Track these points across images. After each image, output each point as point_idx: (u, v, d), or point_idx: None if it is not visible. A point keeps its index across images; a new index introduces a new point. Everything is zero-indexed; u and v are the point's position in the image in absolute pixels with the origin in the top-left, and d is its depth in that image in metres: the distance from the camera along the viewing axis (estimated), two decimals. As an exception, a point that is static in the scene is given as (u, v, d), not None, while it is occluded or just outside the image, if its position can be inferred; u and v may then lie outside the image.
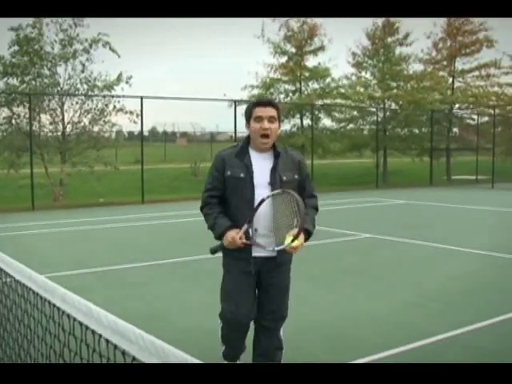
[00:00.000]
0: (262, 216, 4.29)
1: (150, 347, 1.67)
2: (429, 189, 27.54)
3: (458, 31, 33.38)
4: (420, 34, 50.43)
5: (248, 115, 4.45)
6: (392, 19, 31.58)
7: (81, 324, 2.08)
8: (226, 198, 4.48)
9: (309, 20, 30.04)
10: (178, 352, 1.63)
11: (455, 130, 35.89)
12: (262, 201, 4.24)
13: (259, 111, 4.35)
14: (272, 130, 4.35)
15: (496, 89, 35.03)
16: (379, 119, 30.96)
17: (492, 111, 32.72)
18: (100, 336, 1.93)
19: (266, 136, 4.34)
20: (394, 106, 32.68)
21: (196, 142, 35.51)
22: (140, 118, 21.47)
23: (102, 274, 9.21)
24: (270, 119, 4.35)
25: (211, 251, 4.42)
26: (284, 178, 4.38)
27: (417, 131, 33.22)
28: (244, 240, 4.26)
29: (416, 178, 31.14)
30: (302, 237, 4.20)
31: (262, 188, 4.33)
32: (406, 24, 33.41)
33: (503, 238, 12.59)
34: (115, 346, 1.83)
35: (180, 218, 16.24)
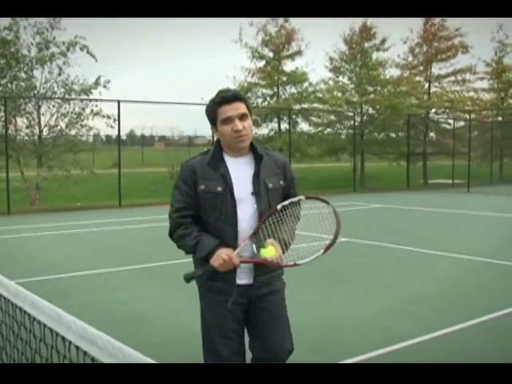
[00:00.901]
0: (270, 229, 3.49)
1: (117, 353, 1.63)
2: (406, 193, 27.68)
3: (434, 37, 33.74)
4: (397, 40, 50.63)
5: (212, 117, 3.59)
6: (369, 24, 31.83)
7: (51, 330, 2.03)
8: (202, 218, 3.58)
9: (286, 25, 30.20)
10: (144, 358, 1.60)
11: (432, 134, 36.19)
12: (275, 211, 3.51)
13: (226, 110, 3.47)
14: (246, 128, 3.50)
15: (471, 94, 35.59)
16: (356, 123, 31.11)
17: (468, 116, 33.07)
18: (70, 343, 1.89)
19: (241, 139, 3.49)
20: (371, 110, 32.88)
21: (174, 146, 35.36)
22: (117, 121, 21.38)
23: (81, 278, 9.11)
24: (242, 117, 3.49)
25: (186, 278, 3.51)
26: (270, 186, 3.58)
27: (394, 135, 33.46)
28: (242, 259, 3.43)
29: (393, 181, 31.31)
30: (278, 246, 3.43)
31: (244, 202, 3.51)
32: (382, 29, 33.77)
33: (480, 241, 12.66)
34: (85, 353, 1.79)
35: (158, 222, 16.13)
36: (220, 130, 3.53)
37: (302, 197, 3.58)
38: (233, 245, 3.45)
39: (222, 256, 3.34)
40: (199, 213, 3.56)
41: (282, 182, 3.67)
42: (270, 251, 3.36)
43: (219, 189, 3.49)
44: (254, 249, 3.42)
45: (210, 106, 3.60)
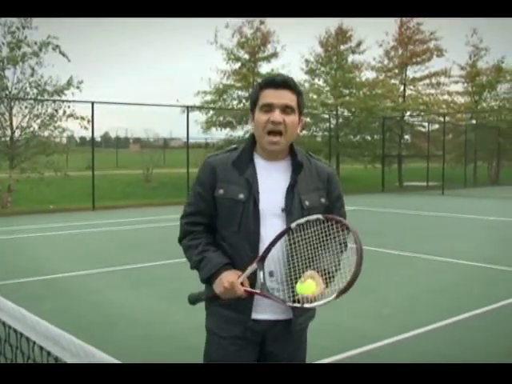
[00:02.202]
0: (285, 254, 2.77)
1: (80, 353, 1.62)
2: (381, 195, 27.87)
3: (410, 40, 34.09)
4: (372, 43, 51.29)
5: (253, 101, 2.89)
6: (345, 27, 32.05)
7: (15, 331, 2.02)
8: (217, 229, 2.94)
9: (262, 27, 30.24)
10: (106, 357, 1.60)
11: (407, 137, 36.52)
12: (288, 230, 2.73)
13: (269, 95, 2.79)
14: (287, 124, 2.78)
15: (446, 97, 35.98)
16: (332, 126, 31.28)
17: (442, 119, 33.41)
18: (34, 343, 1.88)
19: (276, 133, 2.78)
20: (346, 112, 33.10)
21: (149, 148, 35.28)
22: (91, 123, 21.24)
23: (53, 281, 9.04)
24: (285, 109, 2.78)
25: (190, 300, 2.90)
26: (306, 203, 2.84)
27: (369, 138, 33.74)
28: (248, 287, 2.75)
29: (368, 184, 31.48)
30: (320, 280, 2.67)
31: (271, 218, 2.81)
32: (358, 32, 33.96)
33: (453, 243, 12.78)
34: (48, 353, 1.78)
35: (132, 225, 16.08)
36: (256, 117, 2.84)
37: (320, 216, 2.74)
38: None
39: (223, 282, 2.72)
40: (216, 223, 2.93)
41: (323, 200, 2.92)
42: (309, 287, 2.61)
43: (241, 196, 2.82)
44: (261, 277, 2.73)
45: (254, 88, 2.94)
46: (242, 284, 2.72)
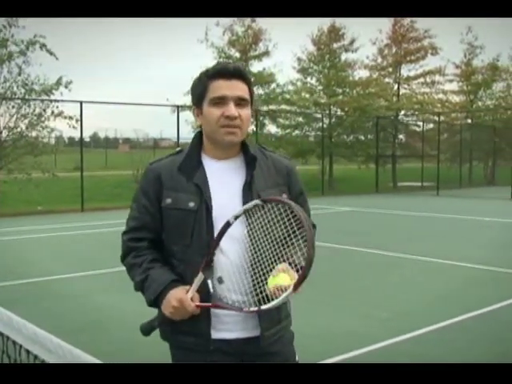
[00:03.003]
0: (231, 253, 2.48)
1: (67, 356, 1.64)
2: (375, 196, 27.93)
3: (403, 38, 34.17)
4: (366, 41, 51.45)
5: (199, 94, 2.57)
6: (338, 25, 32.09)
7: (1, 334, 2.02)
8: (164, 244, 2.63)
9: (253, 25, 30.25)
10: (92, 359, 1.61)
11: (401, 136, 36.60)
12: (227, 226, 2.41)
13: (220, 87, 2.49)
14: (243, 119, 2.51)
15: (441, 96, 36.11)
16: (325, 125, 31.29)
17: (437, 118, 33.50)
18: (21, 346, 1.89)
19: (232, 130, 2.50)
20: (339, 112, 33.11)
21: (139, 149, 35.27)
22: (80, 123, 21.20)
23: (40, 284, 9.03)
24: (240, 102, 2.51)
25: (143, 331, 2.62)
26: None
27: (362, 138, 33.81)
28: (198, 302, 2.42)
29: (362, 184, 31.53)
30: (294, 273, 2.31)
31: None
32: (351, 30, 34.05)
33: (448, 244, 12.83)
34: (35, 357, 1.79)
35: (122, 227, 15.93)
36: (205, 112, 2.54)
37: (258, 201, 2.40)
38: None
39: (170, 302, 2.40)
40: (161, 236, 2.62)
41: (285, 197, 2.57)
42: (283, 278, 2.29)
43: (191, 204, 2.51)
44: (210, 286, 2.42)
45: (199, 79, 2.59)
46: (191, 299, 2.39)
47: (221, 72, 2.51)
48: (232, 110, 2.46)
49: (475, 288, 8.81)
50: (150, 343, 5.33)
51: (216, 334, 2.51)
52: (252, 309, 2.33)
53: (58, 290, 8.65)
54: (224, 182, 2.56)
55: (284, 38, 74.86)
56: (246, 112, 2.52)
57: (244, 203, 2.47)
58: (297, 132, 32.69)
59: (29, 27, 21.11)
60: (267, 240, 2.40)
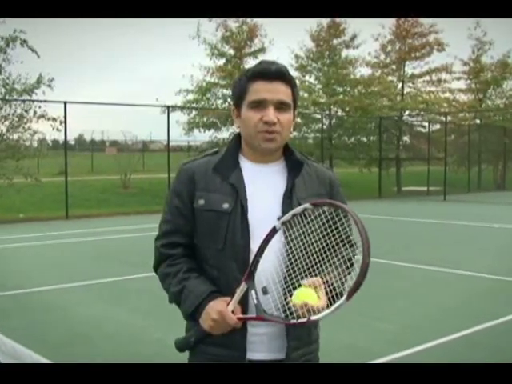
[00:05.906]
0: (271, 262, 2.42)
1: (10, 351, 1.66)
2: (378, 201, 27.96)
3: (408, 33, 34.12)
4: (367, 36, 51.35)
5: (238, 95, 2.57)
6: (338, 20, 32.04)
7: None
8: (198, 248, 2.59)
9: (248, 20, 30.20)
10: (40, 357, 1.64)
11: (405, 138, 36.54)
12: (274, 232, 2.38)
13: (260, 89, 2.48)
14: (283, 124, 2.50)
15: (447, 95, 36.05)
16: (324, 127, 31.31)
17: (444, 118, 33.48)
18: None
19: (270, 137, 2.50)
20: (340, 112, 33.15)
21: (127, 152, 35.17)
22: (64, 125, 21.17)
23: (21, 296, 9.03)
24: (280, 106, 2.48)
25: (178, 347, 2.47)
26: None
27: (365, 139, 33.73)
28: (240, 315, 2.36)
29: (364, 189, 31.48)
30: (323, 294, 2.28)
31: (264, 230, 2.40)
32: (352, 25, 33.98)
33: (455, 253, 12.87)
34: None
35: (108, 235, 16.04)
36: (244, 115, 2.53)
37: (308, 205, 2.38)
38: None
39: (210, 315, 2.34)
40: (195, 241, 2.59)
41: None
42: (308, 294, 2.23)
43: (225, 206, 2.48)
44: (254, 297, 2.35)
45: (239, 79, 2.60)
46: (233, 312, 2.33)
47: (261, 73, 2.49)
48: (271, 115, 2.45)
49: (484, 298, 8.84)
50: (140, 355, 5.37)
51: (250, 354, 2.47)
52: (301, 320, 2.24)
53: (40, 303, 8.64)
54: (262, 186, 2.54)
55: (281, 33, 74.98)
56: (286, 116, 2.50)
57: (283, 210, 2.45)
58: (295, 133, 32.65)
59: (9, 22, 21.04)
60: (316, 250, 2.37)
